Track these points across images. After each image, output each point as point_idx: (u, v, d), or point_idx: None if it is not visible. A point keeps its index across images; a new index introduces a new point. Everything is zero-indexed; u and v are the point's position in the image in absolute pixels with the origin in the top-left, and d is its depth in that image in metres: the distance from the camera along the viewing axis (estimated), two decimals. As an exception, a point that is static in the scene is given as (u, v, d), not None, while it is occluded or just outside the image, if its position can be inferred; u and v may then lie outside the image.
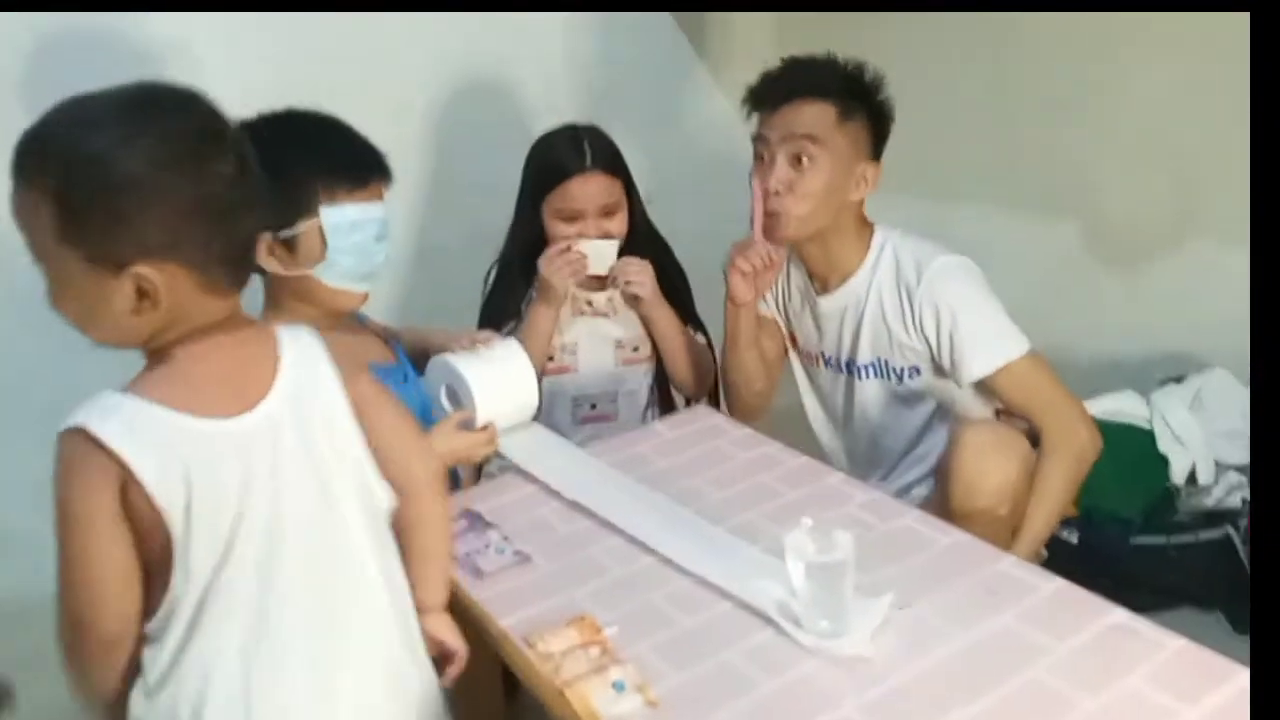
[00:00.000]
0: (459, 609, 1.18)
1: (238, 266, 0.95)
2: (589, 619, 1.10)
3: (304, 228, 1.30)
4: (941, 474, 1.53)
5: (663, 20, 2.76)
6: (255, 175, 0.93)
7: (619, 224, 1.79)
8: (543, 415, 1.68)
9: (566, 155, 1.76)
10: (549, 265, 1.73)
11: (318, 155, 1.31)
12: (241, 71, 1.85)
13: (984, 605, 1.09)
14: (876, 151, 1.62)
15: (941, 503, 1.50)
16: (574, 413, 1.88)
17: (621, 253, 1.80)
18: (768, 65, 1.64)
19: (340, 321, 1.42)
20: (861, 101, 1.59)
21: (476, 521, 1.32)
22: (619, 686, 1.00)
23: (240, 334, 0.96)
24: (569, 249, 1.74)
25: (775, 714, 0.96)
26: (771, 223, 1.61)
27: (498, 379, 1.47)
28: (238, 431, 0.92)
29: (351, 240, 1.33)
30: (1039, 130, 2.33)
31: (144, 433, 0.88)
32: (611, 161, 1.78)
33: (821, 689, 0.99)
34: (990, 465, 1.46)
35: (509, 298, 1.85)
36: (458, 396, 1.47)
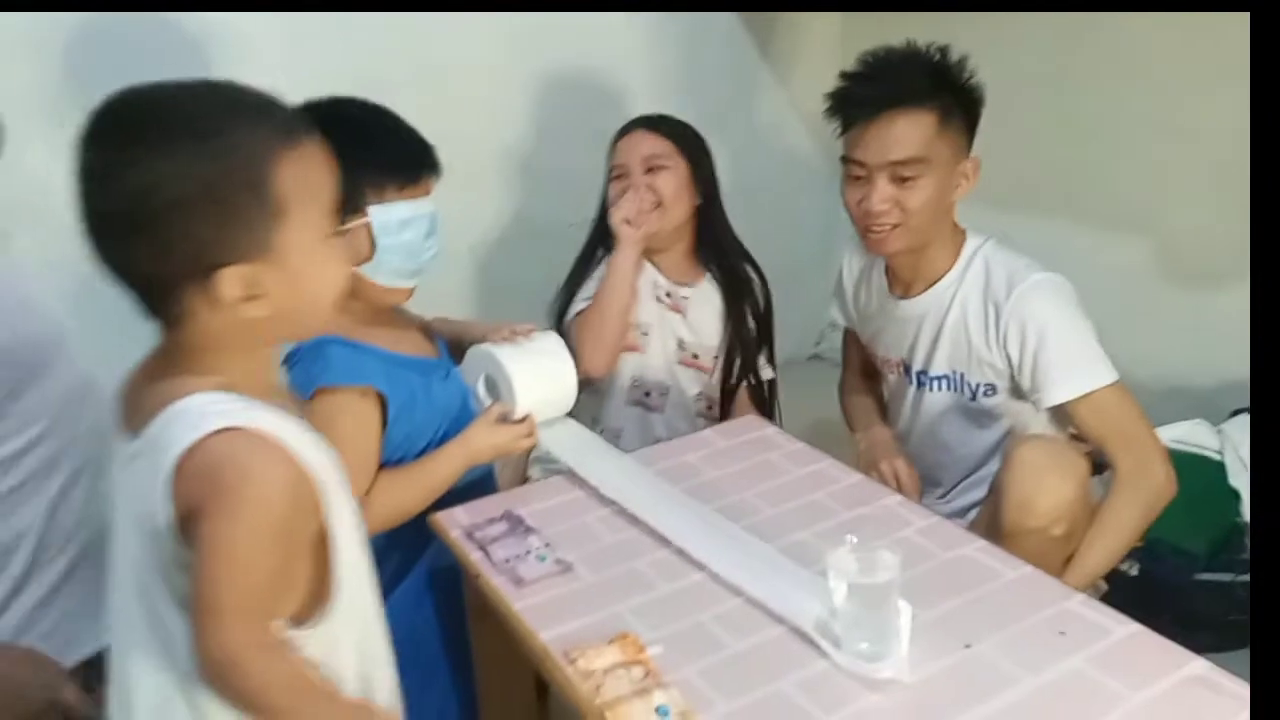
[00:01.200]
0: (496, 616, 1.15)
1: None
2: (632, 637, 1.05)
3: (352, 226, 1.25)
4: (995, 490, 1.46)
5: (728, 24, 2.70)
6: None
7: (666, 183, 1.78)
8: (602, 386, 1.81)
9: (633, 121, 1.84)
10: (612, 213, 1.77)
11: (367, 151, 1.26)
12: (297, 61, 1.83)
13: (1052, 646, 1.03)
14: (971, 140, 1.54)
15: (993, 519, 1.44)
16: (628, 393, 1.86)
17: (705, 246, 1.85)
18: (839, 66, 1.56)
19: (383, 315, 1.39)
20: (955, 96, 1.49)
21: (518, 525, 1.28)
22: (663, 711, 0.95)
23: None
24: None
25: (828, 753, 0.91)
26: (875, 242, 1.54)
27: (537, 370, 1.43)
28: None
29: (401, 239, 1.29)
30: (1111, 146, 2.26)
31: (286, 432, 0.87)
32: (663, 125, 1.81)
33: (878, 728, 0.93)
34: (1046, 484, 1.38)
35: (583, 265, 1.89)
36: (496, 387, 1.44)
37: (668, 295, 1.85)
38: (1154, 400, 2.15)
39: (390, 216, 1.28)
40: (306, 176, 0.88)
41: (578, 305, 1.83)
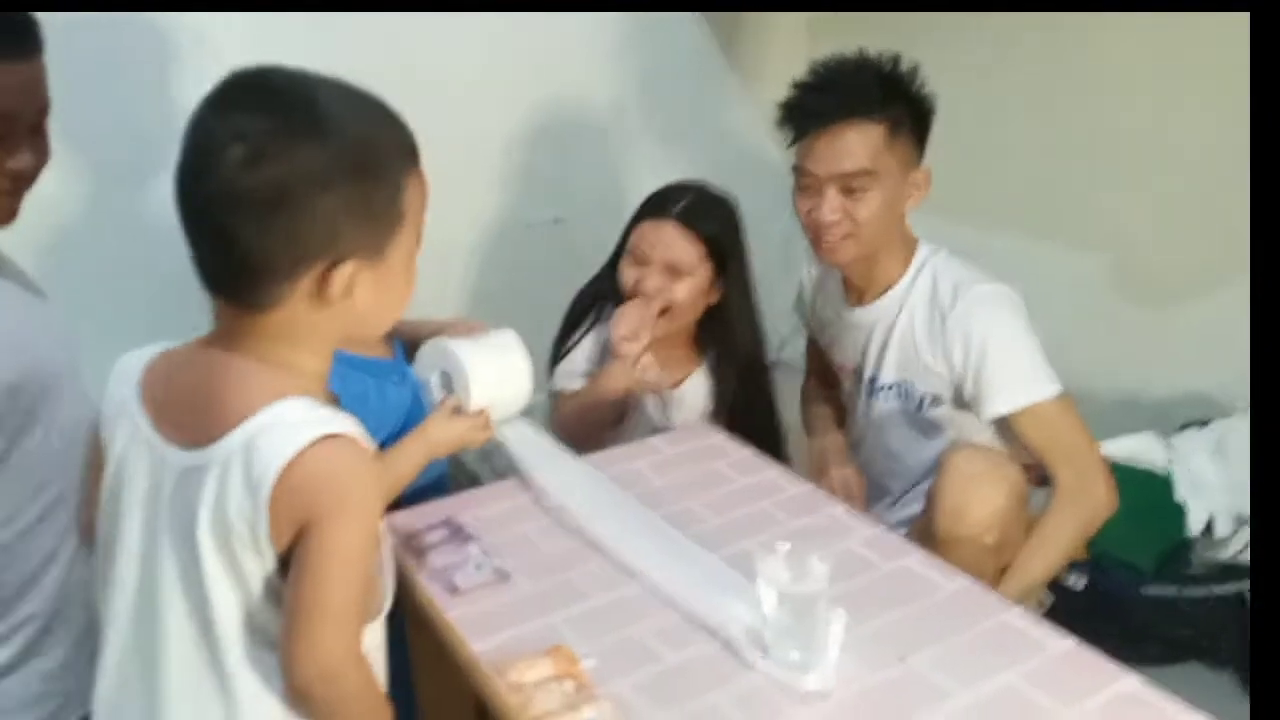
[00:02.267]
0: (429, 628, 1.13)
1: None
2: (566, 649, 1.03)
3: None
4: (929, 497, 1.47)
5: (693, 24, 2.69)
6: None
7: (683, 291, 1.67)
8: None
9: (658, 199, 1.70)
10: (615, 322, 1.65)
11: None
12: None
13: (987, 661, 1.02)
14: (922, 150, 1.54)
15: (926, 526, 1.44)
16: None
17: (708, 332, 1.75)
18: (798, 72, 1.56)
19: None
20: (906, 107, 1.49)
21: (457, 533, 1.26)
22: (592, 726, 0.94)
23: None
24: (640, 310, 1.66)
25: (757, 769, 0.90)
26: (826, 251, 1.53)
27: (494, 364, 1.41)
28: None
29: None
30: (1076, 162, 2.28)
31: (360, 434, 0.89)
32: (701, 223, 1.67)
33: (808, 744, 0.92)
34: (979, 493, 1.39)
35: (577, 317, 1.81)
36: (451, 381, 1.41)
37: (656, 394, 1.79)
38: (1107, 412, 2.17)
39: None
40: (420, 196, 0.92)
41: (562, 379, 1.78)
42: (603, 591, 1.15)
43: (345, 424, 0.87)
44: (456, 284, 2.49)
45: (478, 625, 1.09)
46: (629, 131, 2.62)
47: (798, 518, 1.31)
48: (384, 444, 1.36)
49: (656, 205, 1.70)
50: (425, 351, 1.45)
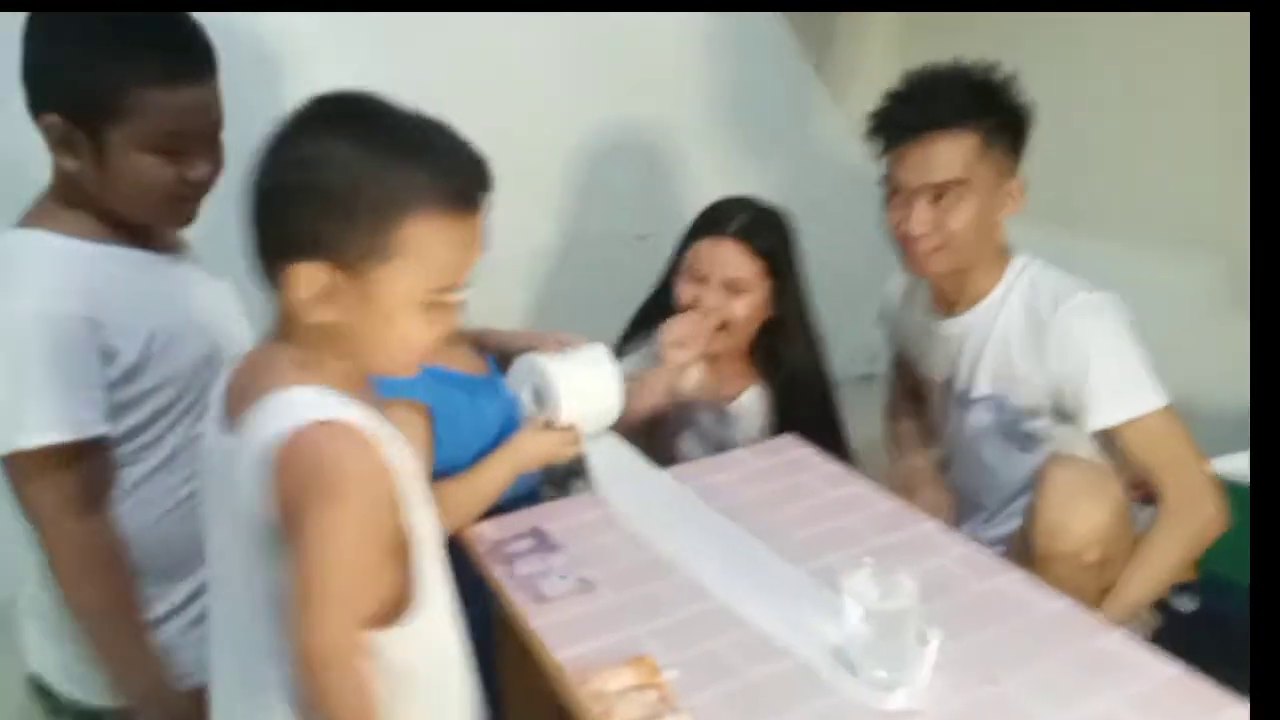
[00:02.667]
0: (515, 635, 1.14)
1: None
2: (649, 660, 1.04)
3: None
4: (1026, 513, 1.42)
5: (781, 30, 2.68)
6: None
7: (741, 308, 1.66)
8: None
9: (719, 214, 1.68)
10: (666, 328, 1.65)
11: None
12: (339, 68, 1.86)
13: (1082, 685, 0.99)
14: (1019, 159, 1.49)
15: (1024, 544, 1.39)
16: None
17: (765, 347, 1.73)
18: (896, 81, 1.53)
19: None
20: (1001, 116, 1.45)
21: (543, 542, 1.27)
22: (673, 737, 0.94)
23: None
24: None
25: (840, 788, 0.88)
26: (917, 263, 1.50)
27: (583, 380, 1.43)
28: None
29: None
30: (1179, 165, 2.18)
31: (376, 429, 0.90)
32: (760, 238, 1.66)
33: (893, 765, 0.90)
34: (1079, 509, 1.34)
35: (644, 320, 1.80)
36: (542, 397, 1.44)
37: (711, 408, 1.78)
38: (1218, 428, 2.07)
39: None
40: (439, 244, 0.89)
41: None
42: (687, 604, 1.15)
43: (348, 412, 0.86)
44: (542, 293, 2.53)
45: (562, 634, 1.10)
46: (716, 143, 2.62)
47: (887, 534, 1.29)
48: (479, 456, 1.39)
49: (713, 222, 1.68)
50: (517, 367, 1.47)
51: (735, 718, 0.97)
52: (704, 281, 1.66)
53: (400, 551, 0.92)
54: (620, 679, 1.01)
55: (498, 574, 1.22)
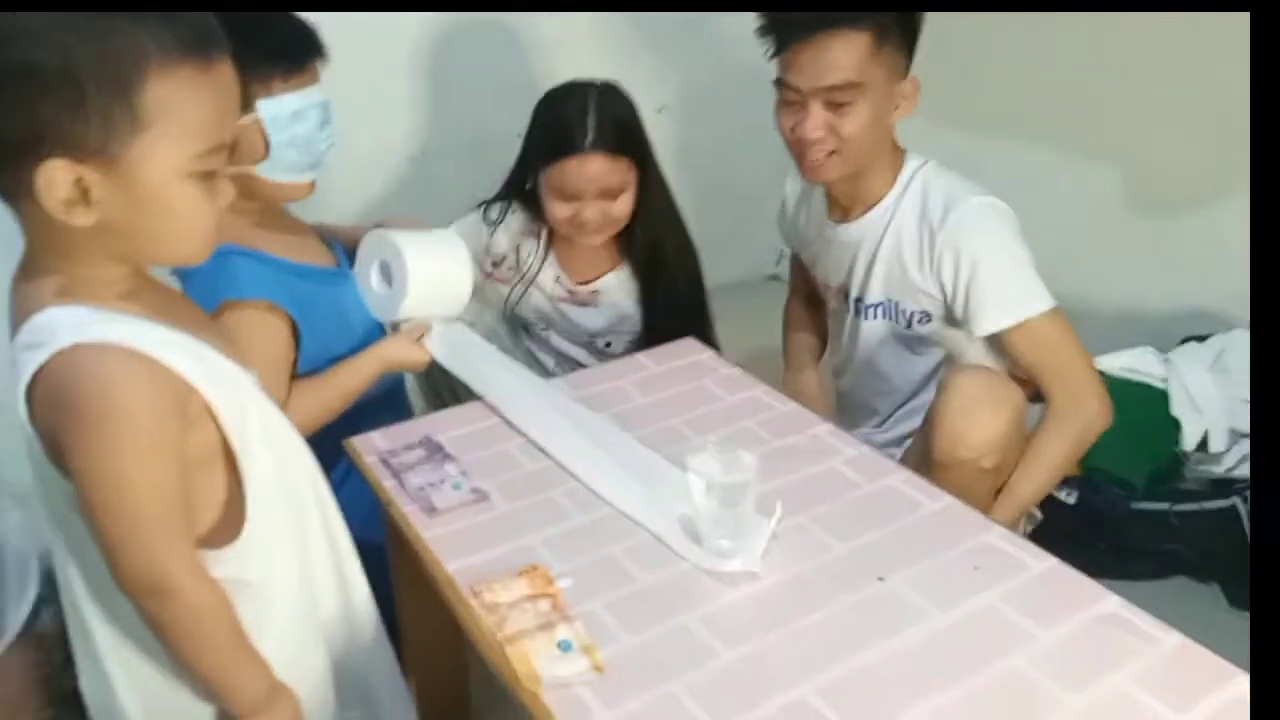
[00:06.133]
0: (407, 548, 1.12)
1: None
2: (541, 569, 1.03)
3: (241, 124, 1.19)
4: (928, 420, 1.44)
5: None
6: None
7: (623, 205, 1.63)
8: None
9: (569, 130, 1.58)
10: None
11: (246, 42, 1.18)
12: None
13: (967, 581, 1.01)
14: (911, 59, 1.46)
15: (924, 449, 1.42)
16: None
17: (631, 231, 1.68)
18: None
19: (279, 220, 1.35)
20: (892, 13, 1.41)
21: (435, 452, 1.24)
22: (565, 646, 0.93)
23: None
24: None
25: (728, 691, 0.89)
26: (811, 169, 1.47)
27: (433, 254, 1.40)
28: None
29: (294, 131, 1.24)
30: (1085, 73, 2.21)
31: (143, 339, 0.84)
32: (618, 139, 1.59)
33: (782, 665, 0.91)
34: (979, 416, 1.36)
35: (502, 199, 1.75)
36: (390, 272, 1.39)
37: (569, 294, 1.76)
38: (1108, 327, 2.14)
39: (280, 110, 1.23)
40: (191, 100, 0.79)
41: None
42: (580, 512, 1.14)
43: (110, 330, 0.80)
44: (437, 194, 2.43)
45: (455, 545, 1.08)
46: (610, 37, 2.53)
47: (782, 437, 1.29)
48: (349, 347, 1.36)
49: (567, 141, 1.58)
50: (366, 242, 1.42)
51: (630, 623, 0.97)
52: (578, 198, 1.61)
53: (214, 462, 0.88)
54: (513, 590, 1.00)
55: (388, 485, 1.19)
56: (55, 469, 0.83)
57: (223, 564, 0.89)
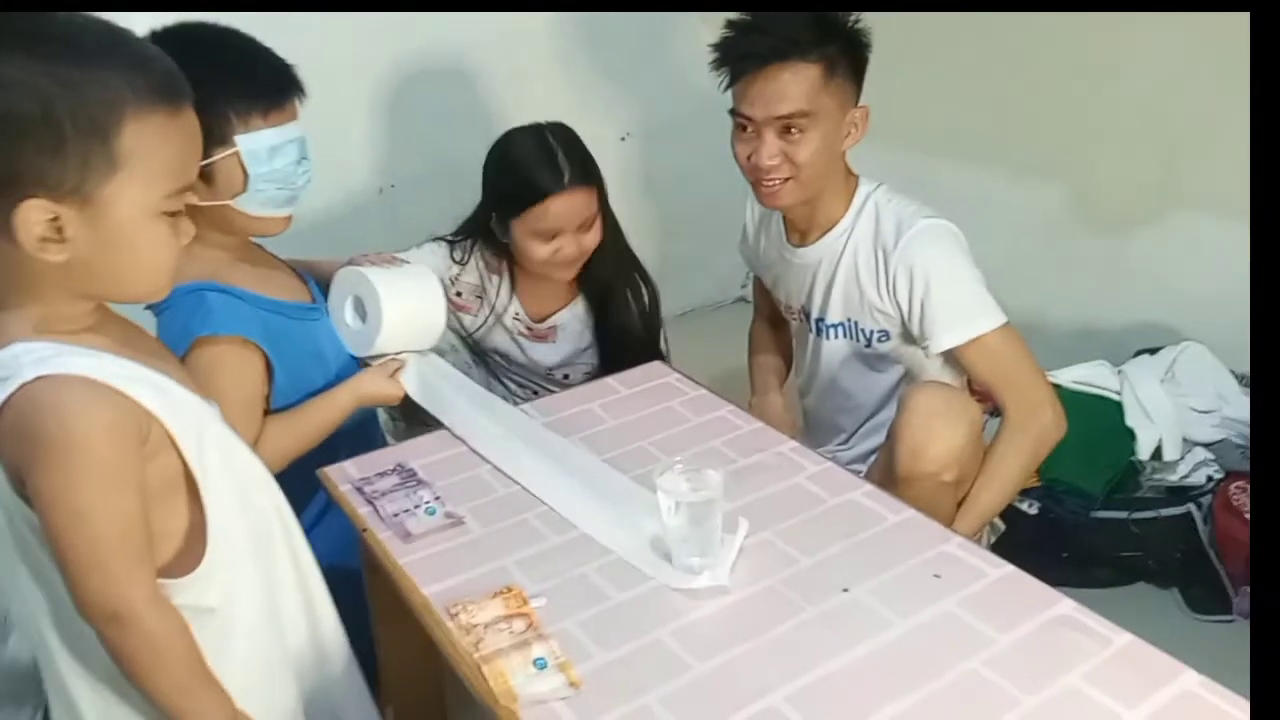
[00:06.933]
0: (383, 574, 1.14)
1: None
2: (516, 590, 1.05)
3: (220, 157, 1.23)
4: (890, 436, 1.48)
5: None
6: None
7: (595, 235, 1.68)
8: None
9: (542, 174, 1.60)
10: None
11: (227, 78, 1.21)
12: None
13: (927, 590, 1.05)
14: (860, 88, 1.52)
15: (887, 465, 1.46)
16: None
17: (587, 263, 1.71)
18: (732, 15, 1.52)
19: (254, 255, 1.37)
20: (841, 45, 1.47)
21: (409, 479, 1.26)
22: (540, 664, 0.96)
23: None
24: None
25: (701, 701, 0.92)
26: (767, 195, 1.52)
27: (406, 289, 1.43)
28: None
29: (272, 166, 1.27)
30: (1032, 93, 2.28)
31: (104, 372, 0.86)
32: (585, 171, 1.64)
33: (752, 674, 0.95)
34: (938, 430, 1.40)
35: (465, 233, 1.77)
36: (364, 308, 1.42)
37: (529, 330, 1.79)
38: (1063, 341, 2.20)
39: (259, 144, 1.25)
40: (161, 144, 0.84)
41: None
42: (553, 533, 1.17)
43: (72, 362, 0.83)
44: (407, 226, 2.46)
45: (431, 570, 1.11)
46: (570, 63, 2.57)
47: (748, 455, 1.33)
48: (327, 385, 1.38)
49: (545, 181, 1.60)
50: (339, 279, 1.45)
51: (604, 639, 0.99)
52: (558, 235, 1.64)
53: (176, 490, 0.91)
54: (489, 611, 1.03)
55: (363, 513, 1.21)
56: (19, 499, 0.86)
57: (184, 591, 0.92)
